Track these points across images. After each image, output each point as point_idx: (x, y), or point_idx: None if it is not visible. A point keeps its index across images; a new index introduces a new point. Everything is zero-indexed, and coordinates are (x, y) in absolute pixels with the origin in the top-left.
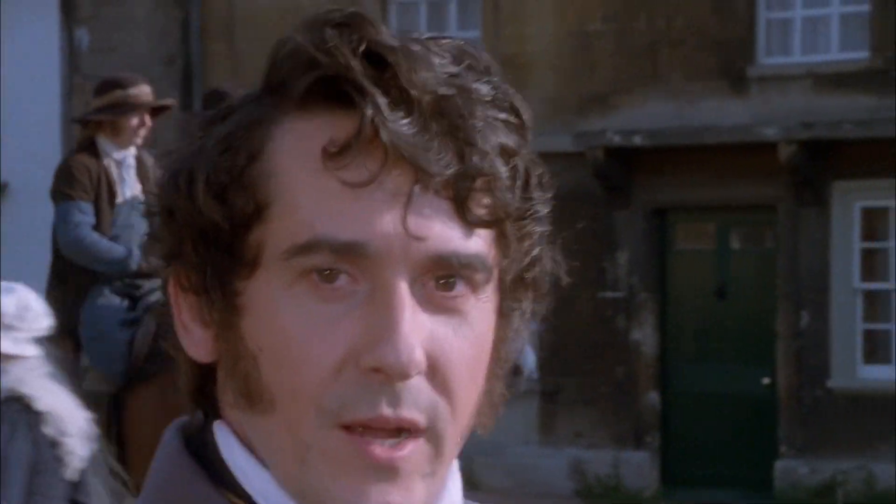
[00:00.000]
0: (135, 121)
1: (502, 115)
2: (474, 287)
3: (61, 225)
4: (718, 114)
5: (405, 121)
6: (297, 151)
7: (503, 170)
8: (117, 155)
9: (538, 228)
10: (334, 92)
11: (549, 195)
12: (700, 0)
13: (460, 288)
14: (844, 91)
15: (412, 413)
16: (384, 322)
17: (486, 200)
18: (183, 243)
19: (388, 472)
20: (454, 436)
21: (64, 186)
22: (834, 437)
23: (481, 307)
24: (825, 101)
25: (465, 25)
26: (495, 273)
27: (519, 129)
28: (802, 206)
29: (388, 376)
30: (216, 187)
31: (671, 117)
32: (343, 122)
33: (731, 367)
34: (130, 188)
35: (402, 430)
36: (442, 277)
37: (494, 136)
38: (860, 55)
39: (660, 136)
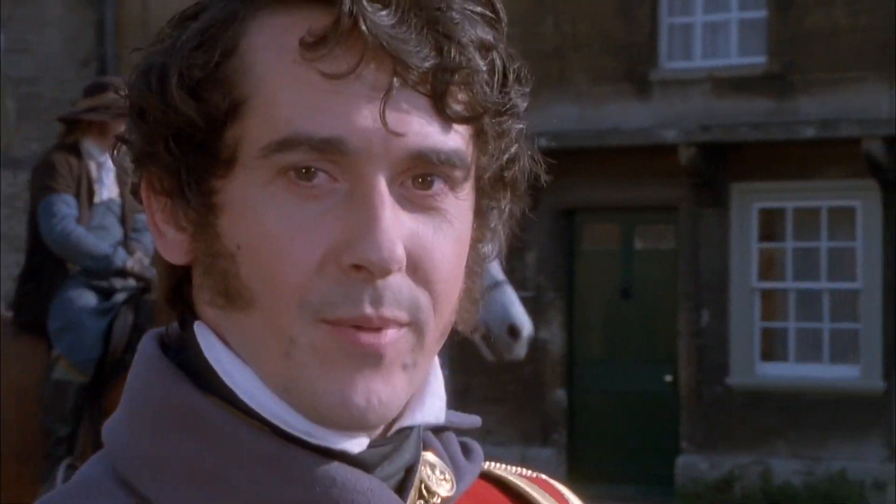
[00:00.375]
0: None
1: (479, 9)
2: (452, 184)
3: (47, 218)
4: (622, 117)
5: (384, 12)
6: (274, 46)
7: (481, 64)
8: (100, 157)
9: (516, 126)
10: None
11: (527, 90)
12: (604, 5)
13: (439, 186)
14: (743, 95)
15: (394, 312)
16: (364, 219)
17: (465, 95)
18: (155, 144)
19: (374, 358)
20: (436, 329)
21: (47, 180)
22: (732, 432)
23: (460, 205)
24: (724, 104)
25: None
26: (473, 171)
27: (495, 23)
28: (702, 207)
29: (370, 273)
30: (190, 83)
31: (576, 120)
32: (320, 16)
33: (635, 365)
34: (108, 190)
35: (384, 329)
36: (420, 175)
37: (472, 29)
38: (758, 60)
39: (565, 139)
